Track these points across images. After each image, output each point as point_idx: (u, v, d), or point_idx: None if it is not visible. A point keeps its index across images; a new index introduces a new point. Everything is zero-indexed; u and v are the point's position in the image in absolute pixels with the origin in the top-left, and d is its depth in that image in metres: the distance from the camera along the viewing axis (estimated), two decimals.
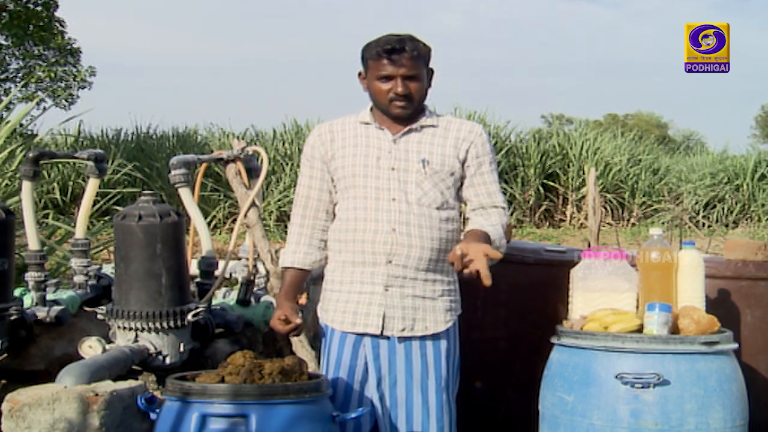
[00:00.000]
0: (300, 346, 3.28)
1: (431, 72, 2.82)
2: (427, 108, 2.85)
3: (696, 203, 14.51)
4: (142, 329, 3.20)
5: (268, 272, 3.57)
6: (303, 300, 3.70)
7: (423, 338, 2.78)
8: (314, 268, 2.89)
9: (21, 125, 8.13)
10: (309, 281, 3.28)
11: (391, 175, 2.77)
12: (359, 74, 2.86)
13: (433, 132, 2.83)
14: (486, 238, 2.67)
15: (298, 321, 2.77)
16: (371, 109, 2.86)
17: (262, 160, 3.66)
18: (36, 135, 9.70)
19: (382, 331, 2.75)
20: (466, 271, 2.51)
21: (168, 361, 3.24)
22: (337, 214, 2.86)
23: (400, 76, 2.74)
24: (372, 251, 2.75)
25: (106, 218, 8.42)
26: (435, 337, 2.79)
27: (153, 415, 2.65)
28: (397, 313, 2.75)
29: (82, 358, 3.12)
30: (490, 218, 2.80)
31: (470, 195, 2.86)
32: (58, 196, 11.89)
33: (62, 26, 15.53)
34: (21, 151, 6.35)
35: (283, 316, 2.76)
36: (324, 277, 2.90)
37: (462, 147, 2.82)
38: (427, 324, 2.78)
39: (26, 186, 3.63)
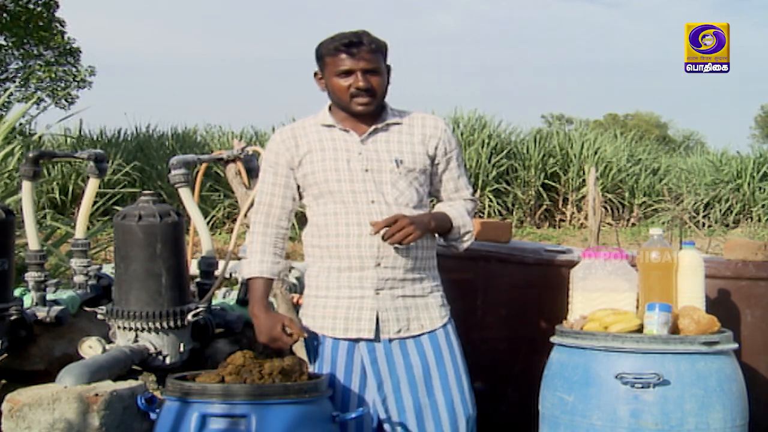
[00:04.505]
0: (300, 345, 3.28)
1: (389, 68, 2.77)
2: (387, 105, 2.81)
3: (696, 203, 14.50)
4: (142, 329, 3.20)
5: None
6: (303, 299, 3.70)
7: (419, 337, 2.75)
8: (279, 277, 2.83)
9: (20, 125, 8.13)
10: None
11: (366, 176, 2.71)
12: (315, 74, 2.80)
13: (399, 129, 2.79)
14: (443, 217, 2.77)
15: (305, 334, 2.74)
16: (330, 109, 2.80)
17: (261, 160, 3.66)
18: (35, 134, 9.71)
19: (377, 335, 2.71)
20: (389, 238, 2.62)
21: (168, 361, 3.24)
22: (310, 219, 2.79)
23: (360, 70, 2.67)
24: (358, 255, 2.69)
25: (106, 218, 8.41)
26: (432, 334, 2.76)
27: (153, 415, 2.65)
28: (390, 315, 2.72)
29: (82, 358, 3.12)
30: (453, 204, 2.84)
31: (438, 190, 2.86)
32: (58, 196, 11.88)
33: (62, 26, 15.55)
34: (19, 150, 6.34)
35: (289, 327, 2.71)
36: (306, 282, 2.83)
37: (430, 144, 2.80)
38: (422, 322, 2.76)
39: (26, 186, 3.63)
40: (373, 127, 2.76)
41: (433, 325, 2.77)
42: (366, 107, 2.72)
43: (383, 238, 2.63)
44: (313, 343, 2.79)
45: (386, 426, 2.73)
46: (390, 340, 2.72)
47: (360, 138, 2.75)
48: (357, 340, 2.73)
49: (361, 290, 2.71)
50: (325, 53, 2.71)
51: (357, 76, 2.68)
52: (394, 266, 2.71)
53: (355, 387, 2.74)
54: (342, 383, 2.74)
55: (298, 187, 2.80)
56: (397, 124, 2.79)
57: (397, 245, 2.66)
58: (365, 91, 2.68)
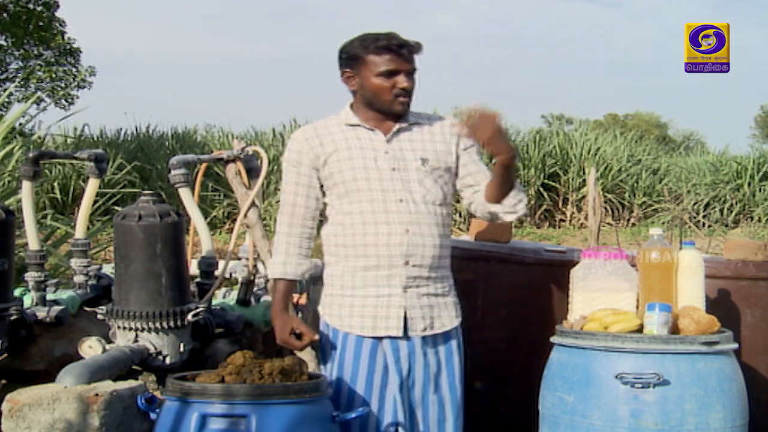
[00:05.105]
0: None
1: None
2: None
3: (696, 203, 14.50)
4: (142, 329, 3.19)
5: None
6: (303, 300, 3.70)
7: (435, 336, 2.79)
8: (304, 278, 2.85)
9: (20, 125, 8.13)
10: (309, 281, 3.26)
11: (393, 175, 2.75)
12: (344, 73, 2.80)
13: (421, 129, 2.83)
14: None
15: (316, 337, 2.76)
16: (351, 108, 2.82)
17: (262, 160, 3.66)
18: (35, 134, 9.71)
19: (405, 333, 2.73)
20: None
21: (168, 361, 3.24)
22: (333, 218, 2.81)
23: (405, 71, 2.73)
24: (388, 254, 2.72)
25: (105, 218, 8.41)
26: (446, 334, 2.80)
27: (153, 415, 2.65)
28: (417, 313, 2.75)
29: (82, 358, 3.12)
30: None
31: (470, 181, 2.85)
32: (58, 196, 11.88)
33: (62, 26, 15.56)
34: (19, 150, 6.34)
35: (298, 330, 2.74)
36: (328, 282, 2.85)
37: (452, 141, 2.83)
38: (443, 321, 2.80)
39: (26, 186, 3.63)
40: (398, 126, 2.79)
41: (451, 323, 2.82)
42: (404, 108, 2.77)
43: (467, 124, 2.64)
44: (332, 341, 2.80)
45: (401, 424, 2.74)
46: (415, 339, 2.75)
47: (386, 137, 2.78)
48: (381, 339, 2.74)
49: (389, 288, 2.73)
50: (368, 52, 2.73)
51: (403, 77, 2.72)
52: (421, 264, 2.74)
53: (377, 386, 2.76)
54: (364, 382, 2.75)
55: (321, 186, 2.81)
56: (419, 123, 2.83)
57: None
58: (408, 91, 2.74)
